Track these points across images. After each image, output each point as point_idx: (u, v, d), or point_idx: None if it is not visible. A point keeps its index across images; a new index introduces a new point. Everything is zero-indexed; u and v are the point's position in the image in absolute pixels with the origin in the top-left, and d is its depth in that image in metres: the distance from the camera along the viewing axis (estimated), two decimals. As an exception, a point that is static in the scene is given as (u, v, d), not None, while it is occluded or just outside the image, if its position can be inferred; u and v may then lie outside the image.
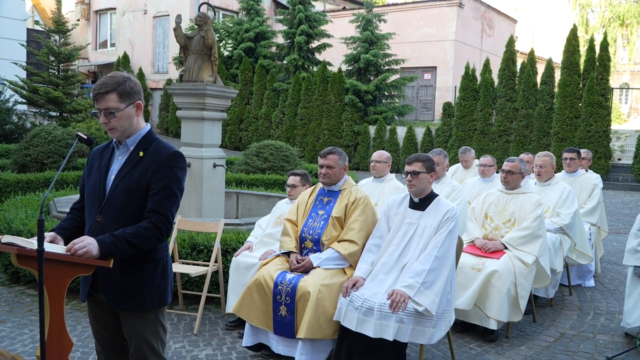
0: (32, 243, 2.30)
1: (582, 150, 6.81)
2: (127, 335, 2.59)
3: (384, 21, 18.89)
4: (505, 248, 4.55)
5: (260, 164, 10.69)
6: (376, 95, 18.46)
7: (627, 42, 32.30)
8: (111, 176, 2.52)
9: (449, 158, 5.70)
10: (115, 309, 2.56)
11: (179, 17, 6.33)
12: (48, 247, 2.36)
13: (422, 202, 3.81)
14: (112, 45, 25.48)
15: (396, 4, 24.99)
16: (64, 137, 10.42)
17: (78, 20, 25.25)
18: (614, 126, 17.59)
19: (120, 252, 2.34)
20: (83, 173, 2.67)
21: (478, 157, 6.76)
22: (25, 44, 17.09)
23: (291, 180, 4.81)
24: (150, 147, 2.51)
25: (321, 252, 3.94)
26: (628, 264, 4.49)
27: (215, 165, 6.34)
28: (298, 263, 3.90)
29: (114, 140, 2.58)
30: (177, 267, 4.58)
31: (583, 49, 15.86)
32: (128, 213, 2.45)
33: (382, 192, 5.33)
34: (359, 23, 18.63)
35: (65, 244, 2.44)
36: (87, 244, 2.29)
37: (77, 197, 6.95)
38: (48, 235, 2.47)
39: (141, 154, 2.49)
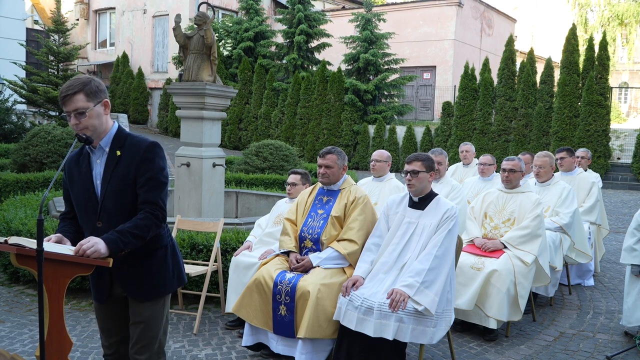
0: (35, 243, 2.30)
1: (581, 150, 6.81)
2: (133, 323, 2.63)
3: (384, 20, 18.88)
4: (505, 247, 4.55)
5: (259, 163, 10.69)
6: (375, 95, 18.45)
7: (626, 42, 32.31)
8: (97, 181, 2.53)
9: (448, 157, 5.70)
10: (140, 301, 2.61)
11: (178, 16, 6.33)
12: (53, 247, 2.37)
13: (421, 201, 3.81)
14: (112, 44, 25.48)
15: (395, 4, 24.98)
16: (64, 137, 10.40)
17: (77, 19, 25.24)
18: (613, 125, 17.60)
19: (126, 245, 2.40)
20: (64, 183, 2.68)
21: (477, 157, 6.76)
22: (24, 43, 17.07)
23: (291, 178, 4.81)
24: (125, 144, 2.53)
25: (321, 251, 3.94)
26: (625, 262, 4.49)
27: (214, 165, 6.34)
28: (298, 262, 3.90)
29: (87, 146, 2.56)
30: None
31: (582, 48, 15.86)
32: (124, 212, 2.50)
33: (381, 191, 5.33)
34: (358, 22, 18.63)
35: (73, 245, 2.47)
36: (94, 243, 2.32)
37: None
38: (54, 235, 2.50)
39: (118, 153, 2.51)
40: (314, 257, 3.89)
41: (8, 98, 14.67)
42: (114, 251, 2.35)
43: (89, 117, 2.44)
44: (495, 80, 16.65)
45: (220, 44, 20.52)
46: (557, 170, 5.82)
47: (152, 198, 2.49)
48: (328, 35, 19.47)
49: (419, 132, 17.50)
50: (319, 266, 3.84)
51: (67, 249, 2.41)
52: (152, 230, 2.48)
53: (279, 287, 3.73)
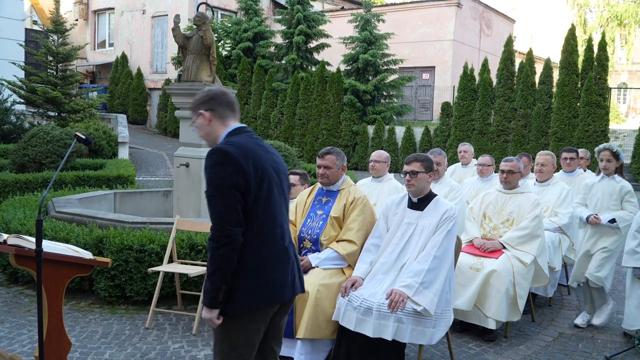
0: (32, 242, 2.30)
1: (580, 150, 6.81)
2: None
3: (383, 21, 18.89)
4: (504, 248, 4.55)
5: (258, 163, 10.66)
6: (375, 95, 18.45)
7: (625, 42, 32.39)
8: None
9: (447, 158, 5.70)
10: None
11: (177, 17, 6.33)
12: (47, 247, 2.37)
13: (420, 202, 3.81)
14: (111, 45, 25.47)
15: (395, 4, 25.00)
16: (63, 137, 10.40)
17: (76, 20, 25.21)
18: (612, 126, 17.61)
19: (213, 289, 2.27)
20: None
21: (476, 157, 6.76)
22: (23, 43, 17.05)
23: (290, 178, 4.78)
24: None
25: (320, 252, 3.94)
26: (627, 265, 4.46)
27: (213, 165, 6.33)
28: (297, 263, 3.89)
29: None
30: (176, 267, 4.58)
31: (581, 49, 15.86)
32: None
33: (381, 192, 5.33)
34: (357, 23, 18.62)
35: None
36: (205, 319, 2.33)
37: (74, 196, 6.95)
38: None
39: None
40: (313, 258, 3.89)
41: (7, 98, 14.64)
42: (211, 305, 2.28)
43: (196, 129, 2.53)
44: (494, 80, 16.64)
45: (220, 44, 20.52)
46: (557, 170, 5.82)
47: (211, 216, 2.28)
48: (327, 36, 19.47)
49: (418, 132, 17.50)
50: (318, 267, 3.84)
51: (64, 247, 2.41)
52: (217, 260, 2.26)
53: (278, 287, 3.72)
